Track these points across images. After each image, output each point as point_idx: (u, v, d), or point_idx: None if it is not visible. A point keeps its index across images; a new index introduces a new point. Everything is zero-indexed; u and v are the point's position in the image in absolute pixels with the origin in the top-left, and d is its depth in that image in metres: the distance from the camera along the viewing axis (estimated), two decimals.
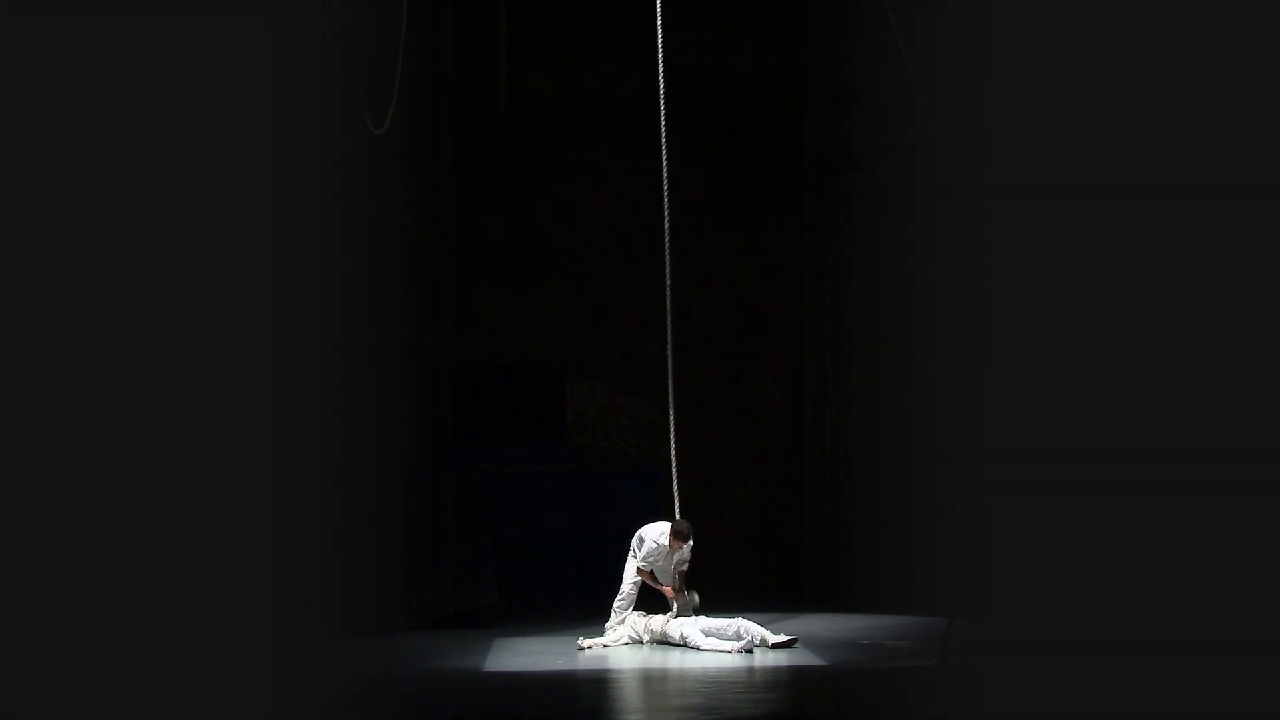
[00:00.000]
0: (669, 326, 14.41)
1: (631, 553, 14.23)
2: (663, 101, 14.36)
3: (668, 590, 13.91)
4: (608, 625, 14.17)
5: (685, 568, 14.11)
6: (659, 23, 14.21)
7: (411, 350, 16.50)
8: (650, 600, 14.42)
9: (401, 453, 16.05)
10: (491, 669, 12.49)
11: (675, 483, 14.36)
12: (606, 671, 12.49)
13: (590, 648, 13.80)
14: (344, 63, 13.68)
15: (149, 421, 8.60)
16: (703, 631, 13.58)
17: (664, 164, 14.33)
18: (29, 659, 8.08)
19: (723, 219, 20.51)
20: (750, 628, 13.43)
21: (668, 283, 14.37)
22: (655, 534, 14.05)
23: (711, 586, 15.43)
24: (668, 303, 14.39)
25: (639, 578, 14.16)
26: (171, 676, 8.49)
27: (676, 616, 13.85)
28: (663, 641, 13.88)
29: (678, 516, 14.18)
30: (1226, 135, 8.64)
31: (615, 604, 14.21)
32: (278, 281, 10.20)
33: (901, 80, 14.65)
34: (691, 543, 13.98)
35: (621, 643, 14.01)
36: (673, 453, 14.37)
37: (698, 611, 14.01)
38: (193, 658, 8.62)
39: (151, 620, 8.49)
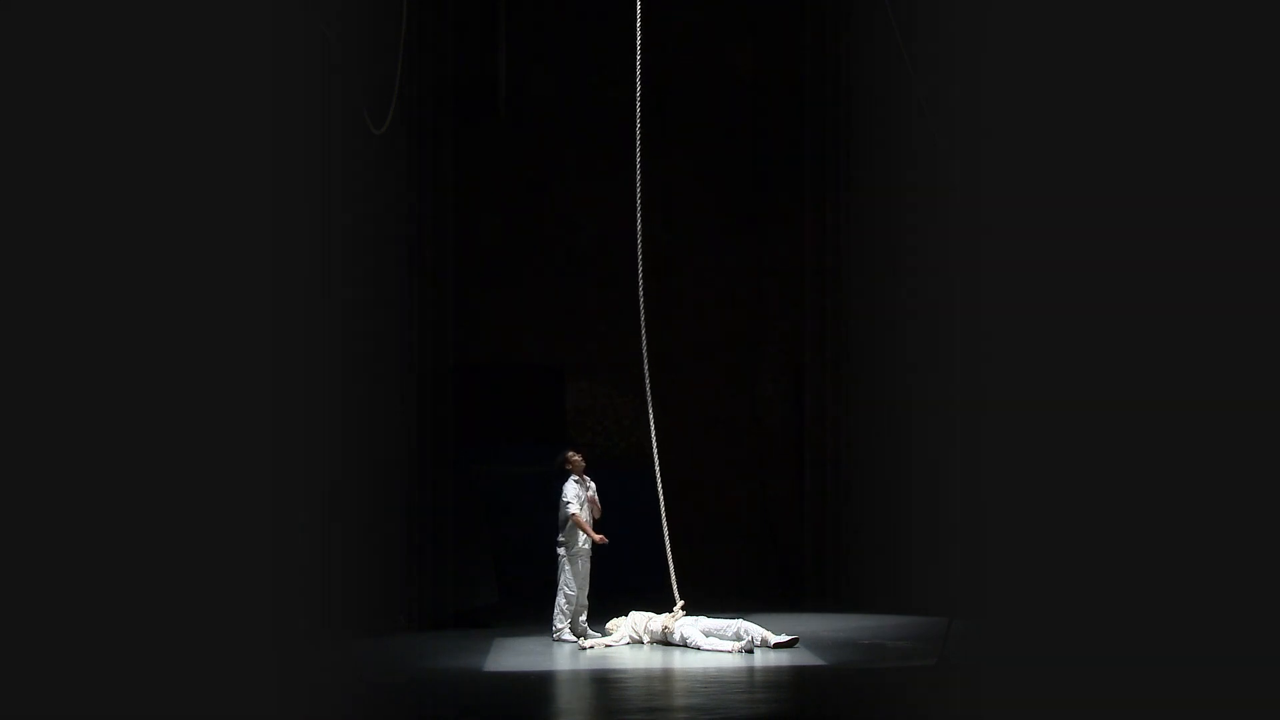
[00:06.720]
0: (643, 323, 14.44)
1: (566, 502, 14.46)
2: (638, 102, 14.22)
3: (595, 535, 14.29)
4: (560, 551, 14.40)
5: (594, 494, 14.59)
6: (638, 21, 14.09)
7: (411, 351, 16.51)
8: (650, 601, 14.44)
9: (402, 453, 16.05)
10: (491, 669, 12.49)
11: (657, 455, 14.47)
12: (606, 671, 12.49)
13: (591, 647, 13.81)
14: (344, 63, 13.68)
15: (149, 423, 8.60)
16: (703, 632, 13.58)
17: (637, 163, 14.22)
18: (32, 658, 8.08)
19: (723, 219, 20.50)
20: (750, 628, 13.41)
21: (639, 281, 14.32)
22: (569, 484, 14.48)
23: (712, 586, 15.42)
24: (640, 300, 14.36)
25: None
26: (173, 677, 8.49)
27: (677, 617, 13.84)
28: (663, 641, 13.88)
29: (663, 510, 14.31)
30: (1226, 130, 8.64)
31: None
32: (278, 282, 10.19)
33: (901, 80, 14.65)
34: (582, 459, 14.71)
35: (622, 643, 14.02)
36: (654, 439, 14.49)
37: (688, 611, 14.00)
38: (194, 658, 8.62)
39: (154, 621, 8.49)
